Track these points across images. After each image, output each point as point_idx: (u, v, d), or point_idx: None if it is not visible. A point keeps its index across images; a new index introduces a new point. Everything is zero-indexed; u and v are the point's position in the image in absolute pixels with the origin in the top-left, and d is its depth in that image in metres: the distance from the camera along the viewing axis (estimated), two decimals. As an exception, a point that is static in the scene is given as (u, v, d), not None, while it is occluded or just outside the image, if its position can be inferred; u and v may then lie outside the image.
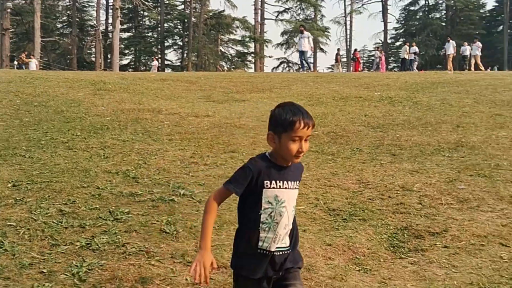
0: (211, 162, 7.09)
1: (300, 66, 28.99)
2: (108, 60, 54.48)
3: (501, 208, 5.45)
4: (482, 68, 29.18)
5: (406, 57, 33.14)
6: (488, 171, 6.63)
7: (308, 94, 13.99)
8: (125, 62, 64.60)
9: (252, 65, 62.52)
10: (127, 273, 3.79)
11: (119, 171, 6.40)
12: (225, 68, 59.18)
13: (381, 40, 67.89)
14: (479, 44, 30.32)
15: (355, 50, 42.55)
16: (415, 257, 4.45)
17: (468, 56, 30.27)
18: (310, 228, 4.94)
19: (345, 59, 64.15)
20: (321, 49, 64.86)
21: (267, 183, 2.52)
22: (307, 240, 4.64)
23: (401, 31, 71.53)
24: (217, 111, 11.06)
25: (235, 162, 7.14)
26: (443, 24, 66.41)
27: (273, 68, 64.96)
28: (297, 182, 2.63)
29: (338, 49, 42.97)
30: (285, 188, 2.56)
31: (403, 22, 71.57)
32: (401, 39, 66.69)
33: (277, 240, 2.56)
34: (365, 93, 14.13)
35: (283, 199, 2.55)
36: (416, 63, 34.01)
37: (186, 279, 3.82)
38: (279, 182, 2.54)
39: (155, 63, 46.33)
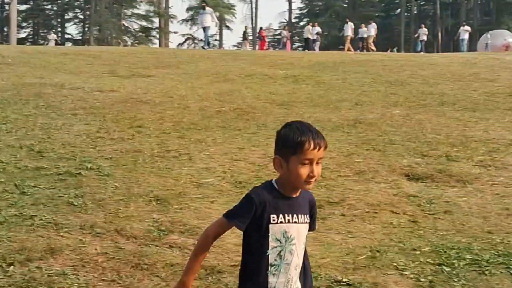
0: (117, 137, 7.10)
1: (207, 43, 29.07)
2: (5, 33, 51.70)
3: (392, 179, 5.90)
4: (374, 48, 30.34)
5: (310, 37, 33.90)
6: (382, 145, 7.12)
7: (215, 71, 14.11)
8: (22, 35, 61.53)
9: (157, 41, 61.58)
10: (36, 244, 3.82)
11: (23, 146, 6.29)
12: (128, 43, 57.88)
13: (285, 19, 68.99)
14: (374, 25, 31.59)
15: (261, 28, 42.97)
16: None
17: (366, 37, 31.45)
18: (218, 200, 5.13)
19: (251, 37, 64.68)
20: (227, 27, 64.96)
21: (273, 217, 2.17)
22: (215, 211, 4.82)
23: (305, 11, 72.94)
24: (122, 86, 10.95)
25: (142, 137, 7.19)
26: (345, 5, 68.33)
27: (179, 44, 64.28)
28: (307, 215, 2.28)
29: (246, 27, 43.34)
30: (295, 222, 2.21)
31: (307, 2, 72.98)
32: (305, 19, 68.02)
33: (289, 284, 2.21)
34: (270, 71, 14.44)
35: (293, 236, 2.20)
36: (319, 43, 34.89)
37: (96, 249, 3.90)
38: (288, 216, 2.20)
39: (53, 36, 44.43)
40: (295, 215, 2.21)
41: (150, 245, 4.05)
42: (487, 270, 3.86)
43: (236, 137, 7.47)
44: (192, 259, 2.25)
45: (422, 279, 3.73)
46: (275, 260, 2.17)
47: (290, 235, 2.19)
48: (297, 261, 2.22)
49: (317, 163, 2.18)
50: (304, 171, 2.15)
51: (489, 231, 4.60)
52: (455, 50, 35.83)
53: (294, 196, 2.23)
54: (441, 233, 4.55)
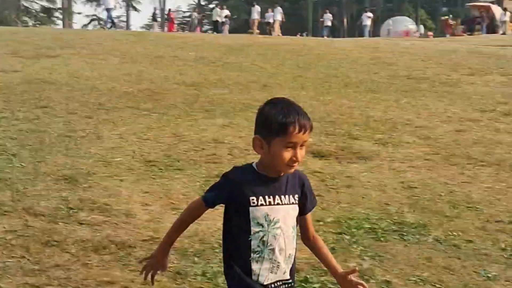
0: (23, 117, 6.93)
1: (112, 24, 28.60)
2: None
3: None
4: (279, 33, 30.82)
5: (218, 19, 33.93)
6: (290, 125, 7.36)
7: (122, 52, 13.90)
8: None
9: (60, 22, 59.37)
10: None
11: None
12: (29, 24, 55.48)
13: (195, 1, 68.44)
14: (279, 9, 32.15)
15: (169, 10, 42.53)
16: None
17: (272, 22, 31.93)
18: (127, 178, 5.15)
19: (160, 19, 63.73)
20: (134, 7, 63.62)
21: (253, 199, 2.02)
22: (125, 188, 4.86)
23: (214, -7, 72.67)
24: (26, 67, 10.61)
25: (49, 117, 7.08)
26: (254, -11, 68.65)
27: (83, 26, 62.36)
28: (296, 195, 2.11)
29: (155, 8, 42.68)
30: (278, 204, 2.05)
31: (216, -15, 72.71)
32: (214, 2, 67.78)
33: (274, 270, 2.06)
34: (179, 52, 14.41)
35: (277, 219, 2.04)
36: (227, 26, 35.00)
37: (4, 227, 3.86)
38: (269, 198, 2.04)
39: None
40: (277, 196, 2.05)
41: (59, 223, 4.05)
42: (383, 237, 4.18)
43: (145, 117, 7.46)
44: (170, 230, 2.19)
45: (325, 247, 3.98)
46: (258, 246, 2.02)
47: (273, 218, 2.03)
48: (282, 245, 2.06)
49: (301, 145, 2.01)
50: (287, 154, 1.99)
51: (386, 202, 4.94)
52: (360, 35, 37.04)
53: (277, 176, 2.07)
54: (343, 206, 4.83)
